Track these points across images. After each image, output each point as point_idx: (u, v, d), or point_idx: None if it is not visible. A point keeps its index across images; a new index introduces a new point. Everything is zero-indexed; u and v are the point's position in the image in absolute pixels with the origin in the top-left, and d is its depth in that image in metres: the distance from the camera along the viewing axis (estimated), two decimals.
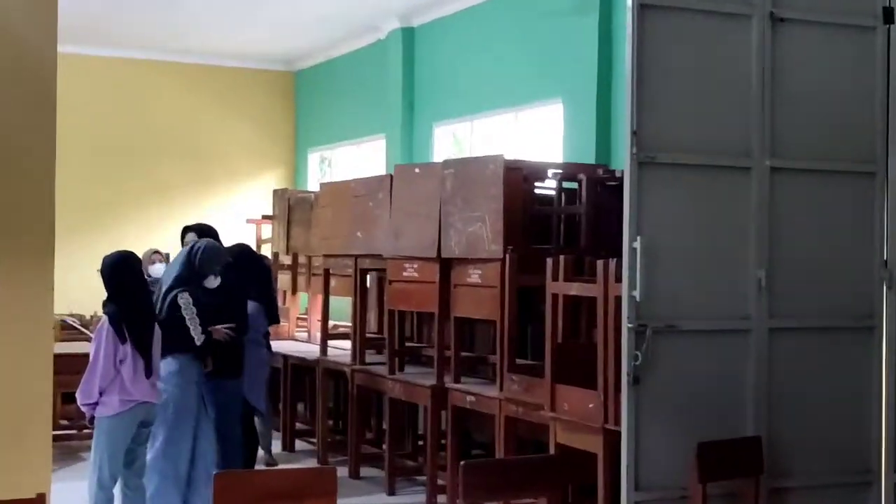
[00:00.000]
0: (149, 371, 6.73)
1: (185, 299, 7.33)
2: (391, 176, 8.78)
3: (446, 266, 8.00)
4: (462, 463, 4.57)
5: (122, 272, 6.81)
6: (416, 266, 8.31)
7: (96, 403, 6.59)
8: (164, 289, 7.43)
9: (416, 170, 8.49)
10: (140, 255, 7.72)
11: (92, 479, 6.66)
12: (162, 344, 7.11)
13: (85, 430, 6.90)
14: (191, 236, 8.24)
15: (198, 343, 7.31)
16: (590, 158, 9.51)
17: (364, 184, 9.37)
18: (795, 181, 5.79)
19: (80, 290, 11.15)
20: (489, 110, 11.72)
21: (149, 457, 7.10)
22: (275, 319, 9.07)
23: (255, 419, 8.68)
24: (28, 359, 5.34)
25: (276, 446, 10.45)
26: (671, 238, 5.47)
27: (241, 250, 8.37)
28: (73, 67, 14.38)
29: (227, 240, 9.51)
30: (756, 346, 5.64)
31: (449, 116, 12.44)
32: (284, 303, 12.11)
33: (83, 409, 6.67)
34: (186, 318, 7.29)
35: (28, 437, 5.33)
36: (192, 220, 12.96)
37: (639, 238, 5.32)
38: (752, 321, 5.65)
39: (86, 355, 6.77)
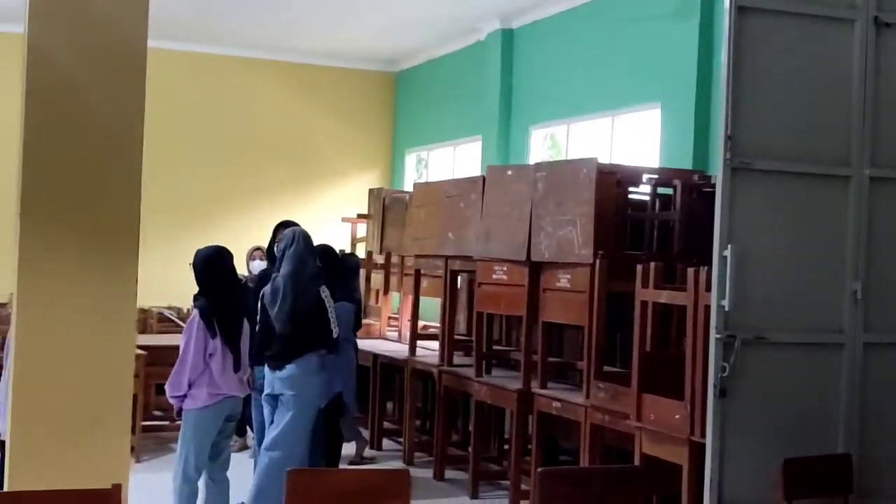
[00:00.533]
0: (237, 366, 6.77)
1: (325, 293, 7.34)
2: (484, 177, 8.72)
3: (536, 269, 7.91)
4: (539, 470, 4.49)
5: (214, 266, 6.85)
6: (505, 269, 8.24)
7: (185, 396, 6.64)
8: (298, 284, 7.25)
9: (509, 171, 8.42)
10: (234, 250, 7.75)
11: (177, 470, 6.72)
12: (304, 341, 7.16)
13: (177, 422, 6.97)
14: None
15: (335, 336, 7.33)
16: (687, 164, 9.33)
17: (456, 185, 9.33)
18: None
19: (178, 283, 11.28)
20: (586, 114, 11.59)
21: (271, 454, 7.16)
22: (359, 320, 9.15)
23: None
24: (111, 350, 5.39)
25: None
26: (764, 247, 5.35)
27: (324, 250, 8.40)
28: (174, 63, 14.68)
29: (319, 238, 9.60)
30: (849, 362, 5.49)
31: (546, 119, 12.33)
32: (377, 302, 12.14)
33: (171, 401, 6.73)
34: (329, 311, 7.31)
35: (107, 429, 5.38)
36: (286, 217, 13.15)
37: (730, 246, 5.21)
38: (846, 335, 5.51)
39: (179, 348, 6.84)
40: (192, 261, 6.90)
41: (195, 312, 6.72)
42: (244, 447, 9.83)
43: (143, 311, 11.86)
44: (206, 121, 15.27)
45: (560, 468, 5.28)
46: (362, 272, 12.21)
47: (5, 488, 5.22)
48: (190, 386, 6.61)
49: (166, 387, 6.72)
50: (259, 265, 9.94)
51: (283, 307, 7.18)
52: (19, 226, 5.29)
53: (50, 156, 5.30)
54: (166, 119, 13.98)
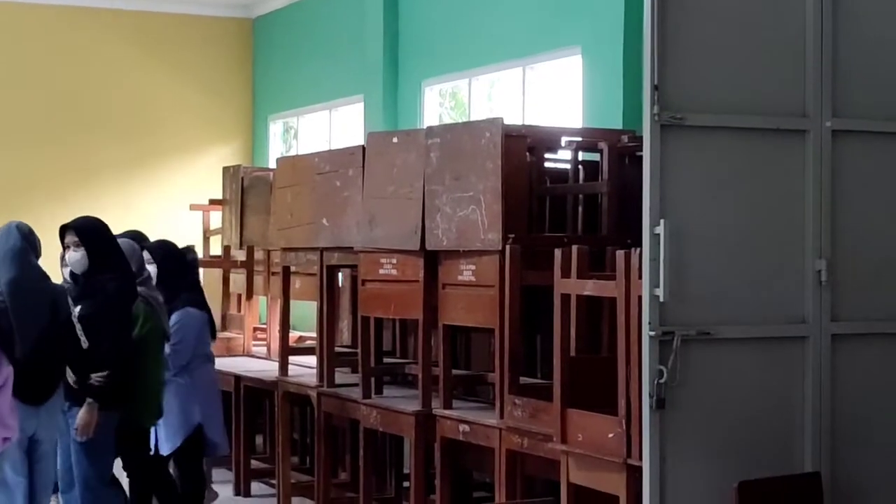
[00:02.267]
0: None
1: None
2: (364, 147, 8.73)
3: (432, 260, 7.94)
4: None
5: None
6: (394, 261, 8.26)
7: None
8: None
9: (394, 139, 8.44)
10: (48, 250, 7.73)
11: None
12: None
13: None
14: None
15: None
16: (617, 123, 9.43)
17: (330, 158, 9.31)
18: (863, 147, 5.77)
19: None
20: (491, 63, 11.65)
21: None
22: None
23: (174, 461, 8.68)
24: None
25: (228, 490, 10.47)
26: (704, 221, 5.46)
27: (162, 247, 8.51)
28: None
29: (163, 232, 9.57)
30: (814, 358, 5.62)
31: (441, 72, 12.37)
32: (239, 310, 12.09)
33: None
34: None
35: None
36: (121, 206, 13.02)
37: (662, 221, 5.30)
38: (810, 326, 5.62)
39: None
40: None
41: None
42: None
43: None
44: (9, 86, 15.01)
45: None
46: (219, 273, 12.17)
47: None
48: None
49: None
50: None
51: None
52: None
53: None
54: None
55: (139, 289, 7.83)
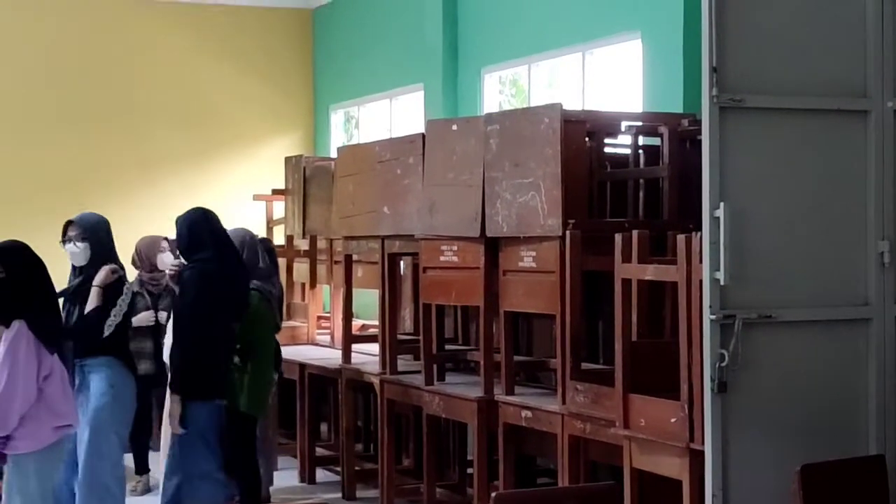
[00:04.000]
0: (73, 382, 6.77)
1: None
2: (423, 135, 8.76)
3: (493, 247, 7.96)
4: (494, 495, 4.54)
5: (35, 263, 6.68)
6: (455, 248, 8.28)
7: (7, 437, 6.24)
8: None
9: (454, 126, 8.45)
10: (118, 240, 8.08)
11: None
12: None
13: None
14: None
15: None
16: (677, 107, 9.38)
17: (390, 146, 9.34)
18: None
19: None
20: (550, 49, 11.61)
21: None
22: None
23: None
24: None
25: (293, 478, 10.54)
26: (765, 203, 5.43)
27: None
28: (38, 6, 14.60)
29: (227, 224, 9.63)
30: (878, 340, 5.59)
31: (501, 59, 12.33)
32: (303, 298, 12.16)
33: None
34: None
35: None
36: (184, 198, 13.10)
37: (722, 204, 5.28)
38: (873, 308, 5.60)
39: None
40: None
41: (17, 326, 6.30)
42: (147, 489, 9.89)
43: None
44: (72, 77, 15.11)
45: (518, 491, 5.35)
46: (283, 262, 12.23)
47: None
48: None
49: None
50: (167, 258, 9.89)
51: None
52: None
53: None
54: (15, 72, 13.98)
55: (254, 282, 8.09)
